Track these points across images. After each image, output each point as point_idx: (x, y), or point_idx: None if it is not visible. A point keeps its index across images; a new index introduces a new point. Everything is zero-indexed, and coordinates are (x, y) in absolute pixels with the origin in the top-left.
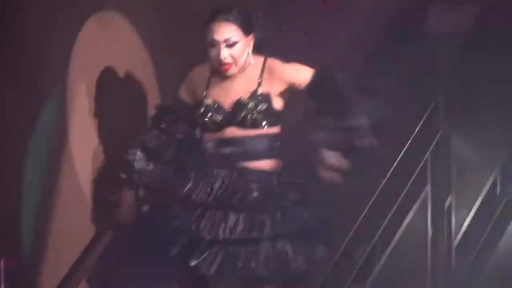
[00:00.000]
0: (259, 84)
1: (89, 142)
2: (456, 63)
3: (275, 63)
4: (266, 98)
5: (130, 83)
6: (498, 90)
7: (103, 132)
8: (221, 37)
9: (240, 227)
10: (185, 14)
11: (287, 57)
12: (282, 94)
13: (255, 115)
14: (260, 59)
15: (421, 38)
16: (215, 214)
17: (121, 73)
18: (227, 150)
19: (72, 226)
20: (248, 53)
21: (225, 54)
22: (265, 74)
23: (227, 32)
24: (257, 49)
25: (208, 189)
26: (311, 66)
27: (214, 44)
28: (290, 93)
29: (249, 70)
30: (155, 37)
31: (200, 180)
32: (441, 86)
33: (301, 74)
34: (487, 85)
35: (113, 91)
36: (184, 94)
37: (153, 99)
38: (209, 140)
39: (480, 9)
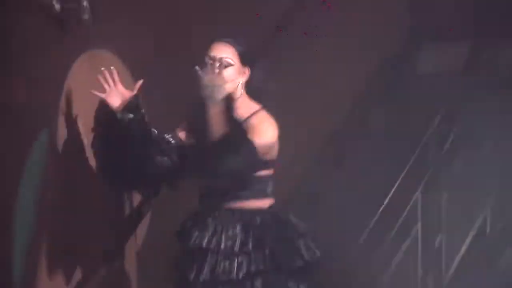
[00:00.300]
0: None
1: (79, 178)
2: (446, 102)
3: (262, 117)
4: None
5: None
6: (486, 129)
7: (93, 170)
8: (218, 55)
9: (219, 269)
10: (176, 52)
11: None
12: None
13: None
14: (255, 107)
15: (413, 78)
16: (197, 257)
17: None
18: (213, 191)
19: (60, 268)
20: (239, 84)
21: (217, 70)
22: (251, 121)
23: (224, 52)
24: (255, 98)
25: (192, 231)
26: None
27: (209, 61)
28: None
29: (240, 114)
30: (147, 74)
31: (190, 223)
32: (431, 125)
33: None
34: (477, 125)
35: None
36: (180, 133)
37: None
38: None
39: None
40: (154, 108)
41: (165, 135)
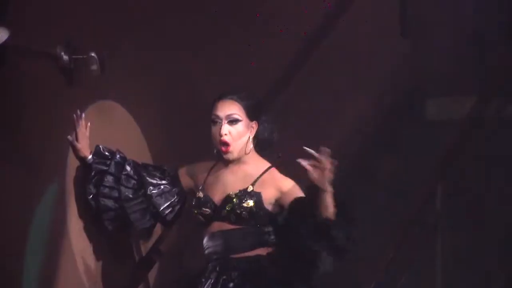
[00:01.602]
0: (252, 184)
1: (88, 229)
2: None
3: (275, 173)
4: (255, 196)
5: None
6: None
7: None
8: (224, 113)
9: None
10: (184, 105)
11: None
12: (273, 200)
13: (239, 210)
14: (265, 165)
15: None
16: None
17: None
18: (215, 243)
19: None
20: (249, 139)
21: (225, 130)
22: (263, 177)
23: (230, 109)
24: (262, 149)
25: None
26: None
27: (216, 120)
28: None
29: (249, 169)
30: (154, 127)
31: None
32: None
33: (293, 188)
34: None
35: None
36: (183, 175)
37: None
38: (202, 235)
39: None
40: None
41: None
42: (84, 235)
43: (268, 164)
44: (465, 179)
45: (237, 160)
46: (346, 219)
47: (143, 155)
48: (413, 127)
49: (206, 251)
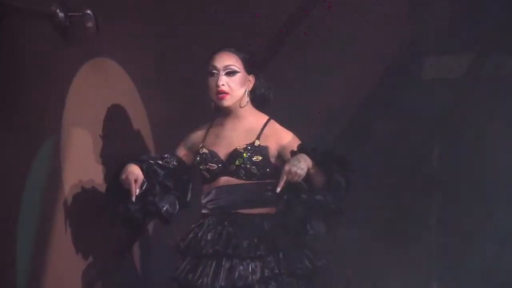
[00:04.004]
0: (257, 137)
1: (83, 186)
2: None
3: (276, 125)
4: (263, 150)
5: (124, 129)
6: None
7: (97, 176)
8: (221, 64)
9: (235, 275)
10: (178, 60)
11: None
12: (276, 153)
13: (249, 165)
14: (264, 117)
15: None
16: (210, 263)
17: (115, 119)
18: (222, 198)
19: (66, 270)
20: (245, 92)
21: (223, 80)
22: (265, 131)
23: (228, 60)
24: (260, 106)
25: (203, 239)
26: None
27: (214, 71)
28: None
29: (249, 122)
30: (150, 83)
31: (198, 231)
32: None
33: (292, 141)
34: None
35: (107, 136)
36: (181, 153)
37: (147, 144)
38: (205, 190)
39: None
40: (156, 115)
41: (164, 157)
42: (79, 188)
43: (266, 117)
44: (462, 139)
45: (235, 115)
46: (345, 168)
47: (139, 113)
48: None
49: (211, 206)
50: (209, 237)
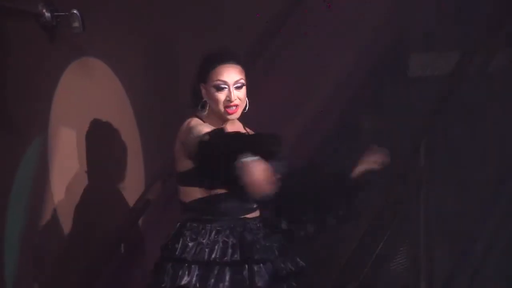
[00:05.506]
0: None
1: (70, 186)
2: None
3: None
4: None
5: (111, 129)
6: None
7: (84, 175)
8: (231, 80)
9: (255, 279)
10: (166, 60)
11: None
12: None
13: None
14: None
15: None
16: (226, 271)
17: (102, 118)
18: (229, 203)
19: (54, 271)
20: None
21: (235, 96)
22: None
23: (237, 74)
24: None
25: (213, 246)
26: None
27: (223, 86)
28: None
29: (238, 126)
30: (136, 83)
31: (199, 238)
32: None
33: None
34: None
35: (94, 136)
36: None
37: (134, 145)
38: (204, 195)
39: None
40: (143, 114)
41: None
42: (66, 188)
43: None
44: (449, 136)
45: (232, 121)
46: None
47: (125, 112)
48: (396, 84)
49: (214, 211)
50: (221, 245)
